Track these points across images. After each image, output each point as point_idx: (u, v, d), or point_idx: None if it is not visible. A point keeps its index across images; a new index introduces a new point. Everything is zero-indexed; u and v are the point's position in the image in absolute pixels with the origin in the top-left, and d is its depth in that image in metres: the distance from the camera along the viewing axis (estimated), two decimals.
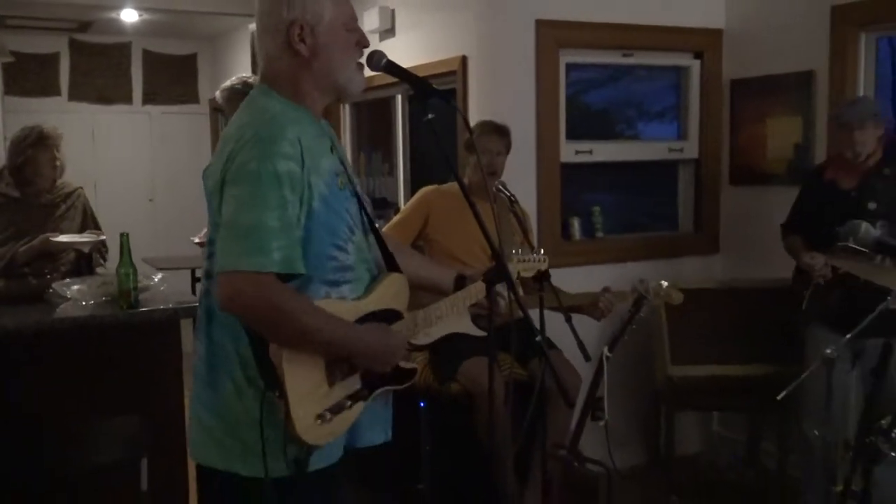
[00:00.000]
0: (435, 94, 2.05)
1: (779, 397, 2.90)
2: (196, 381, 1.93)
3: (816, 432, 3.08)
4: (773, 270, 4.27)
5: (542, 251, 2.75)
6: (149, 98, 9.17)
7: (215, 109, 9.10)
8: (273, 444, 1.78)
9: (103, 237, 3.73)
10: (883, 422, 2.43)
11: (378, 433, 2.07)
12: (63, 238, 3.55)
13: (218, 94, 3.71)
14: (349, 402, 1.87)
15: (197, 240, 4.24)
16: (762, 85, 4.49)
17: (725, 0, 4.66)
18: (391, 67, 2.04)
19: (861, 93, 4.06)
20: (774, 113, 4.44)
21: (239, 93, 3.61)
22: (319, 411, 1.80)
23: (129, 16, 7.33)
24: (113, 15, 7.33)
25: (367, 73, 2.11)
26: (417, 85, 2.05)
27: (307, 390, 1.79)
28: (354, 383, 1.90)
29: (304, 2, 1.88)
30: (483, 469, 3.46)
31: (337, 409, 1.84)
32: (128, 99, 9.07)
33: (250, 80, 3.67)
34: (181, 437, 2.93)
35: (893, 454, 2.41)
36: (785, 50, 4.34)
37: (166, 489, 2.80)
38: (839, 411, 3.36)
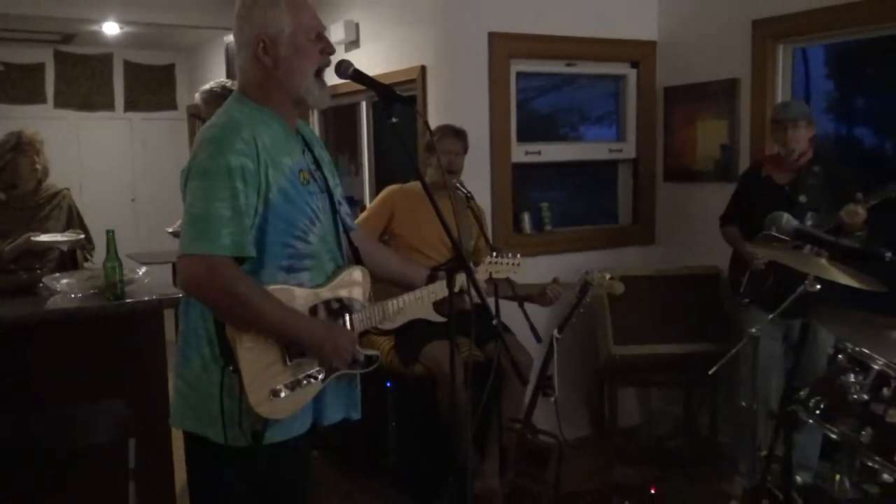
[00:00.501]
0: (399, 100, 2.06)
1: (710, 372, 2.94)
2: (176, 354, 1.97)
3: (744, 403, 3.14)
4: (703, 258, 4.34)
5: (519, 255, 2.66)
6: (130, 105, 9.02)
7: (192, 115, 8.97)
8: (231, 416, 1.83)
9: (81, 236, 3.67)
10: (802, 392, 2.48)
11: (341, 412, 2.06)
12: (43, 237, 3.52)
13: (197, 95, 3.67)
14: (304, 381, 1.89)
15: (171, 230, 4.20)
16: (692, 92, 4.53)
17: (658, 14, 4.70)
18: (358, 76, 2.03)
19: (777, 96, 4.13)
20: (703, 117, 4.49)
21: (217, 95, 3.59)
22: (273, 387, 1.82)
23: (110, 28, 7.19)
24: (95, 28, 7.18)
25: (336, 80, 2.10)
26: (382, 92, 2.04)
27: (262, 367, 1.82)
28: (312, 364, 1.91)
29: (265, 18, 1.90)
30: (444, 442, 3.46)
31: (291, 387, 1.86)
32: (110, 106, 8.92)
33: (228, 84, 3.64)
34: (165, 419, 2.90)
35: (811, 421, 2.47)
36: (712, 60, 4.39)
37: (152, 467, 2.77)
38: (765, 384, 3.42)
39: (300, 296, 1.90)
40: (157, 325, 2.88)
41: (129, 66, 8.95)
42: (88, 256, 3.69)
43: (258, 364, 1.82)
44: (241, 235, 1.79)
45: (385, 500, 3.82)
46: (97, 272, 2.91)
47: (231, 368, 1.81)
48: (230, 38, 2.03)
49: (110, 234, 2.81)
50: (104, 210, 7.24)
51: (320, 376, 1.93)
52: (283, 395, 1.84)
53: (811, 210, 3.37)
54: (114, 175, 8.91)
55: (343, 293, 2.00)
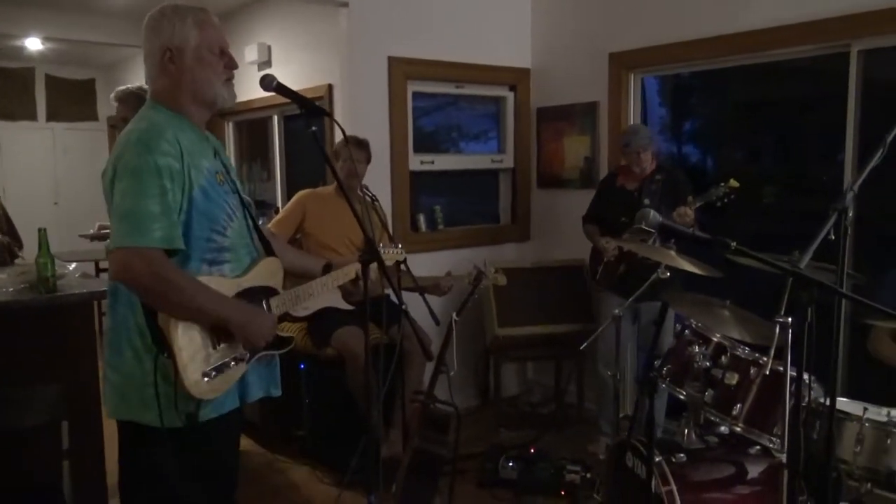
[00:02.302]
0: (320, 112, 2.02)
1: (581, 347, 3.02)
2: (106, 347, 1.86)
3: (609, 373, 3.23)
4: (571, 253, 4.45)
5: (400, 245, 2.76)
6: (52, 116, 8.47)
7: (112, 126, 8.53)
8: (167, 399, 1.75)
9: (6, 240, 3.39)
10: (657, 362, 2.58)
11: (262, 389, 2.00)
12: None
13: (112, 95, 3.40)
14: (232, 363, 1.83)
15: (92, 231, 3.93)
16: (560, 112, 4.63)
17: (532, 46, 4.78)
18: (280, 88, 1.97)
19: (630, 117, 4.27)
20: (569, 133, 4.59)
21: (133, 94, 3.35)
22: (205, 370, 1.76)
23: (33, 44, 6.72)
24: (18, 43, 6.69)
25: (256, 94, 2.02)
26: (305, 103, 1.99)
27: (193, 352, 1.74)
28: (237, 347, 1.85)
29: (173, 31, 1.83)
30: (353, 416, 3.42)
31: (220, 369, 1.79)
32: (32, 116, 8.35)
33: (144, 87, 3.43)
34: (97, 403, 2.74)
35: (664, 385, 2.57)
36: (576, 85, 4.50)
37: (84, 447, 2.60)
38: (624, 356, 3.55)
39: (223, 285, 1.83)
40: (88, 316, 2.69)
41: (50, 79, 8.40)
42: (18, 253, 3.42)
43: (189, 350, 1.74)
44: (170, 229, 1.70)
45: (300, 469, 3.73)
46: (28, 267, 2.70)
47: (165, 355, 1.71)
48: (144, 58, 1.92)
49: (42, 233, 2.61)
50: (28, 212, 6.76)
51: (245, 358, 1.87)
52: (213, 376, 1.77)
53: (653, 210, 3.52)
54: (37, 180, 8.38)
55: (261, 281, 1.94)
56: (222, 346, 1.81)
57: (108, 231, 3.93)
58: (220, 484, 1.98)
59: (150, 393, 1.75)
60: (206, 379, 1.75)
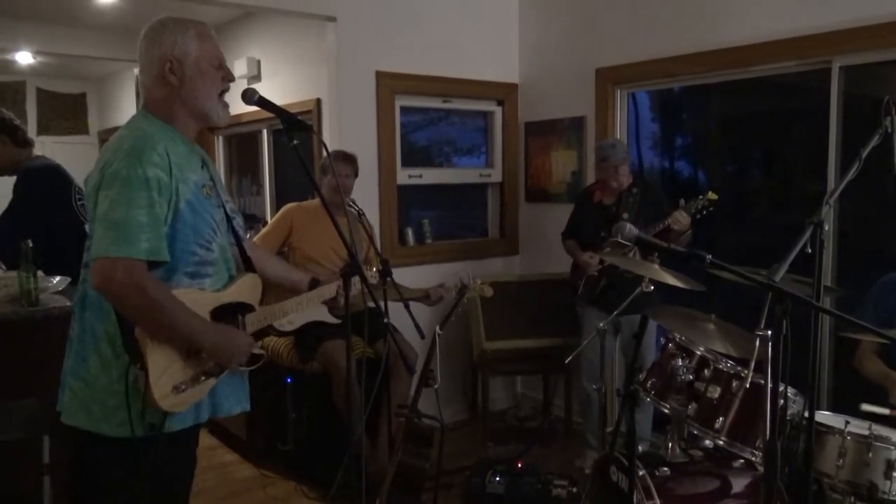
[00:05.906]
0: (303, 127, 2.02)
1: (567, 361, 3.02)
2: (70, 355, 1.83)
3: (595, 386, 3.23)
4: (558, 266, 4.44)
5: (374, 269, 2.88)
6: (42, 129, 8.44)
7: (103, 140, 8.52)
8: (136, 410, 1.73)
9: None
10: (641, 375, 2.58)
11: (236, 404, 1.99)
12: None
13: None
14: (202, 377, 1.82)
15: None
16: (547, 126, 4.65)
17: (519, 61, 4.81)
18: (263, 102, 1.97)
19: (617, 132, 4.30)
20: (557, 148, 4.61)
21: None
22: (175, 383, 1.75)
23: (23, 58, 6.70)
24: (9, 56, 6.68)
25: (244, 108, 2.03)
26: (286, 117, 1.99)
27: (166, 365, 1.73)
28: (208, 361, 1.83)
29: (174, 41, 1.83)
30: (339, 430, 3.40)
31: (190, 383, 1.79)
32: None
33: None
34: None
35: (648, 399, 2.57)
36: (563, 100, 4.52)
37: (65, 462, 2.57)
38: (608, 370, 3.55)
39: (203, 299, 1.82)
40: None
41: (41, 93, 8.40)
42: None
43: (163, 362, 1.73)
44: (157, 241, 1.70)
45: (285, 484, 3.70)
46: (10, 281, 2.68)
47: (138, 366, 1.70)
48: (139, 70, 1.94)
49: (25, 246, 2.60)
50: None
51: (215, 373, 1.86)
52: (182, 390, 1.76)
53: (632, 223, 3.53)
54: None
55: (239, 297, 1.94)
56: (194, 359, 1.80)
57: None
58: (174, 494, 1.96)
59: (114, 403, 1.73)
60: (175, 392, 1.74)
